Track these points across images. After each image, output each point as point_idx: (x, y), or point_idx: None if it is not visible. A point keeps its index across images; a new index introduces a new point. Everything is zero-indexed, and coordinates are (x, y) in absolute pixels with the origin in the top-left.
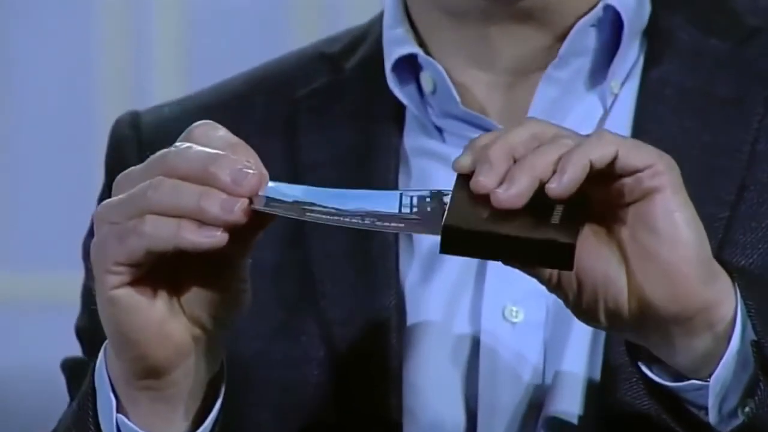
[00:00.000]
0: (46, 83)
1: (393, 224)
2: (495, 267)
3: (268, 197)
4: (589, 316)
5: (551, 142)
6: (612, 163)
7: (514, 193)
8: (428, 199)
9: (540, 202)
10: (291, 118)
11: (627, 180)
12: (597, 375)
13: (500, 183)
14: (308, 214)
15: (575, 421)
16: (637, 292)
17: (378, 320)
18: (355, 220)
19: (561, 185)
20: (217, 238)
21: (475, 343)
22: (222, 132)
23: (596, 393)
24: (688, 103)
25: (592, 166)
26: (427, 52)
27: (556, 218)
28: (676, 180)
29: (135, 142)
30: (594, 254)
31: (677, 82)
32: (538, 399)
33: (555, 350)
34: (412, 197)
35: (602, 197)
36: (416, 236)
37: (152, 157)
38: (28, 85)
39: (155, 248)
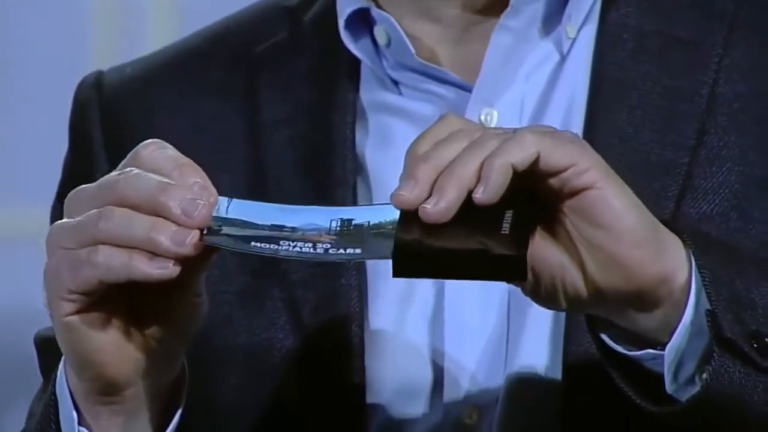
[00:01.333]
0: (43, 35)
1: (348, 251)
2: None
3: (217, 217)
4: (548, 301)
5: (473, 145)
6: (536, 163)
7: (443, 206)
8: (365, 224)
9: (489, 208)
10: (251, 75)
11: (553, 180)
12: (561, 324)
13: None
14: (254, 243)
15: (540, 371)
16: (592, 278)
17: (338, 281)
18: (306, 249)
19: (486, 193)
20: (169, 270)
21: (440, 299)
22: (170, 151)
23: (561, 342)
24: (647, 47)
25: (514, 170)
26: (380, 7)
27: (506, 226)
28: (604, 171)
29: (97, 102)
30: (547, 245)
31: (635, 24)
32: (502, 351)
33: (519, 301)
34: (344, 220)
35: (541, 193)
36: (375, 191)
37: (102, 181)
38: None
39: (107, 278)
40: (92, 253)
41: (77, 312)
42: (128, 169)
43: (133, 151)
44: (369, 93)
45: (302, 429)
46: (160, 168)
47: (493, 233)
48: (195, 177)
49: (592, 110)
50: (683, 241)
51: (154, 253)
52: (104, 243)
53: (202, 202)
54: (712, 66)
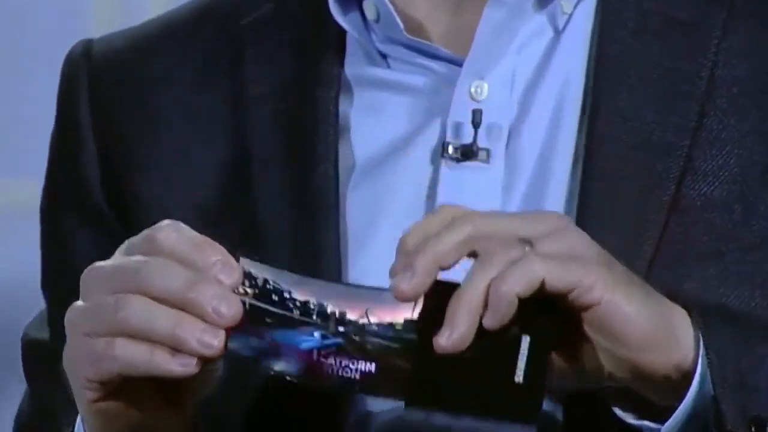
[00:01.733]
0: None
1: (367, 387)
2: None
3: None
4: (565, 387)
5: (481, 264)
6: (543, 285)
7: (456, 338)
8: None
9: (503, 331)
10: (236, 49)
11: (564, 299)
12: None
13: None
14: (265, 363)
15: None
16: (605, 369)
17: (319, 261)
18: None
19: (493, 322)
20: (192, 367)
21: None
22: (186, 231)
23: None
24: (649, 26)
25: (519, 297)
26: None
27: (520, 370)
28: (609, 282)
29: (85, 71)
30: (560, 343)
31: (635, 3)
32: None
33: None
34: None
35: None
36: (359, 160)
37: (123, 265)
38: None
39: (127, 372)
40: (109, 346)
41: (98, 400)
42: (147, 257)
43: (148, 233)
44: (355, 67)
45: (285, 418)
46: (176, 250)
47: (507, 379)
48: (215, 255)
49: (594, 88)
50: (692, 318)
51: (177, 350)
52: (122, 335)
53: (234, 297)
54: (712, 48)
